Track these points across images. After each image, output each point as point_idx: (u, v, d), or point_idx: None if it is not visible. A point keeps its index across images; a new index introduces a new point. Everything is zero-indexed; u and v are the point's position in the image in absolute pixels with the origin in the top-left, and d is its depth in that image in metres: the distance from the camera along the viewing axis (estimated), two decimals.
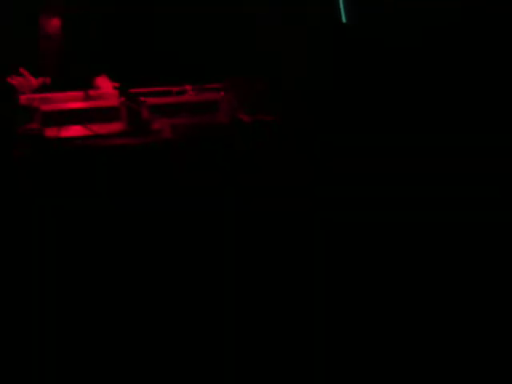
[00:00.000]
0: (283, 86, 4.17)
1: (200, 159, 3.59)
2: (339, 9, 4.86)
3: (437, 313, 2.63)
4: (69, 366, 2.36)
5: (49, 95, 3.78)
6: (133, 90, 3.84)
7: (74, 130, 3.68)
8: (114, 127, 3.73)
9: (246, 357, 2.39)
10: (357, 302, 2.71)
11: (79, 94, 3.82)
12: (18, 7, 5.75)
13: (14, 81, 4.07)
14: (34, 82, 4.20)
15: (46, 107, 3.66)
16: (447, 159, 3.55)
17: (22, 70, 4.14)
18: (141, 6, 6.15)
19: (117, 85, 4.05)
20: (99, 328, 2.55)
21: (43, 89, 4.21)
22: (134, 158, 3.48)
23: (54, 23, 4.42)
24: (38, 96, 3.75)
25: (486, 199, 3.24)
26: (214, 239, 3.05)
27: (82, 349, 2.47)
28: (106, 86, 4.27)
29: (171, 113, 3.77)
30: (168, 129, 3.66)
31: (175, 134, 3.65)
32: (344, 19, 4.86)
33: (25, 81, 4.10)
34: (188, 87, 3.95)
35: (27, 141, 3.48)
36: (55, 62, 4.46)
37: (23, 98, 3.68)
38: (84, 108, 3.75)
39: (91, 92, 3.90)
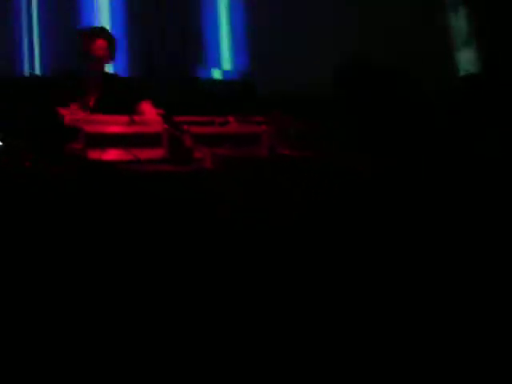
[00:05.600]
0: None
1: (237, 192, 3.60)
2: None
3: None
4: None
5: (93, 117, 3.81)
6: (176, 118, 3.87)
7: (116, 154, 3.70)
8: (156, 153, 3.76)
9: None
10: None
11: (124, 118, 3.86)
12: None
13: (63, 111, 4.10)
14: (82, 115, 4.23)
15: (89, 128, 3.69)
16: None
17: (72, 105, 4.18)
18: None
19: (161, 111, 4.08)
20: None
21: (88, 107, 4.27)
22: (174, 185, 3.49)
23: (100, 44, 4.47)
24: (82, 117, 3.79)
25: None
26: None
27: None
28: (149, 112, 4.31)
29: (213, 143, 3.79)
30: (209, 159, 3.67)
31: (216, 164, 3.66)
32: None
33: (73, 113, 4.13)
34: (231, 119, 3.97)
35: (70, 160, 3.51)
36: (99, 83, 4.52)
37: (68, 119, 3.72)
38: (127, 133, 3.78)
39: (136, 117, 3.93)
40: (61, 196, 3.22)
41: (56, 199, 3.20)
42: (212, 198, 3.50)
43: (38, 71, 6.24)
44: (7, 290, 2.84)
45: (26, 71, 6.29)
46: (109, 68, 4.67)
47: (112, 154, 3.69)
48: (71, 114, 3.90)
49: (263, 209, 3.55)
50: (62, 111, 4.01)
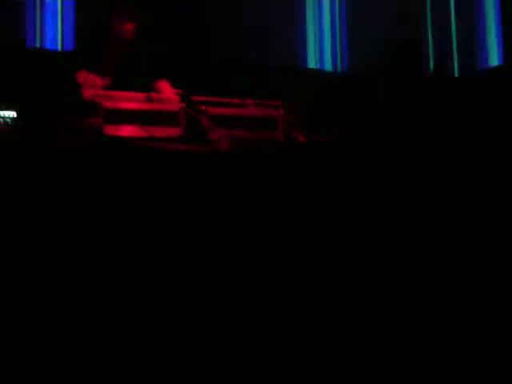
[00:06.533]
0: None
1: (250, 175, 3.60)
2: None
3: None
4: None
5: (112, 93, 3.82)
6: (194, 98, 3.88)
7: (132, 130, 3.72)
8: (171, 132, 3.77)
9: None
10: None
11: (141, 95, 3.87)
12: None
13: (80, 78, 4.13)
14: (99, 81, 4.26)
15: (108, 104, 3.70)
16: None
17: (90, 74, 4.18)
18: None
19: (179, 91, 4.09)
20: None
21: (106, 87, 4.27)
22: (188, 164, 3.50)
23: (126, 27, 4.46)
24: (101, 93, 3.80)
25: None
26: None
27: None
28: (167, 91, 4.31)
29: (230, 124, 3.80)
30: (225, 140, 3.68)
31: (232, 146, 3.67)
32: None
33: (90, 79, 4.16)
34: (249, 101, 3.97)
35: (87, 135, 3.53)
36: (120, 62, 4.52)
37: (88, 94, 3.73)
38: (144, 109, 3.79)
39: (153, 94, 3.94)
40: (76, 171, 3.24)
41: (71, 174, 3.22)
42: (226, 179, 3.51)
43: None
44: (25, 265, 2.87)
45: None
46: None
47: (128, 131, 3.71)
48: (89, 85, 3.92)
49: (276, 194, 3.56)
50: (81, 79, 4.03)
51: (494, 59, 6.96)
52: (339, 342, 2.73)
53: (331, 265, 3.12)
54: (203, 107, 3.81)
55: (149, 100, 3.85)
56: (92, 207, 3.21)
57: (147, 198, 3.31)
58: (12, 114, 3.57)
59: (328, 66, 6.95)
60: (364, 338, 2.73)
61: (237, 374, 2.54)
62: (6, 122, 3.56)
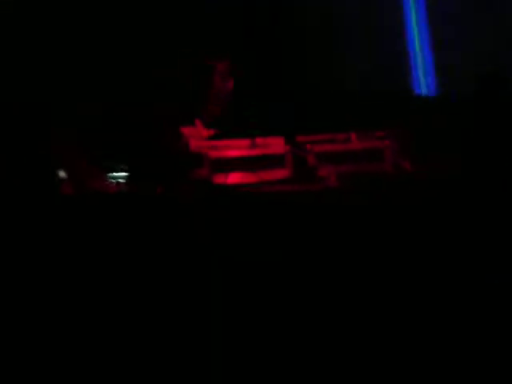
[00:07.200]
0: None
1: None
2: None
3: None
4: None
5: (217, 143, 3.88)
6: (298, 138, 3.89)
7: (241, 177, 3.75)
8: (280, 174, 3.78)
9: None
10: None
11: (246, 141, 3.91)
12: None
13: (186, 130, 4.21)
14: (204, 132, 4.34)
15: (214, 154, 3.76)
16: None
17: (196, 121, 4.28)
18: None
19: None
20: None
21: (211, 137, 4.34)
22: (301, 204, 3.50)
23: (227, 83, 4.54)
24: (207, 144, 3.86)
25: None
26: None
27: None
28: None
29: (336, 160, 3.78)
30: (333, 176, 3.66)
31: (340, 182, 3.65)
32: None
33: (195, 131, 4.24)
34: (353, 135, 3.96)
35: (197, 186, 3.57)
36: (222, 108, 4.59)
37: (194, 145, 3.80)
38: (251, 155, 3.83)
39: (258, 140, 3.98)
40: (189, 220, 3.28)
41: (184, 224, 3.26)
42: (338, 216, 3.48)
43: None
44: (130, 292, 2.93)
45: None
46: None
47: (237, 177, 3.75)
48: (195, 137, 3.98)
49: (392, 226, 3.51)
50: (186, 131, 4.10)
51: None
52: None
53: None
54: (308, 146, 3.82)
55: (254, 146, 3.88)
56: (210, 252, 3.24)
57: (266, 240, 3.33)
58: (124, 174, 3.67)
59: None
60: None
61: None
62: (119, 182, 3.66)
